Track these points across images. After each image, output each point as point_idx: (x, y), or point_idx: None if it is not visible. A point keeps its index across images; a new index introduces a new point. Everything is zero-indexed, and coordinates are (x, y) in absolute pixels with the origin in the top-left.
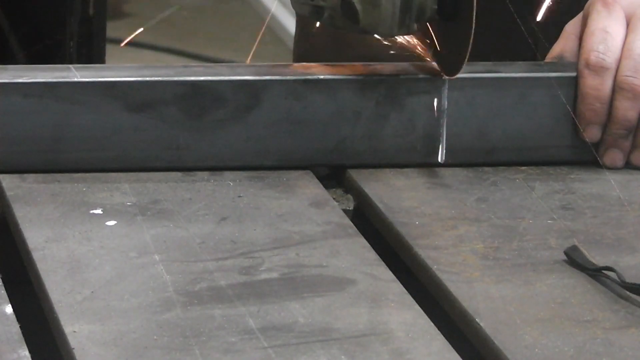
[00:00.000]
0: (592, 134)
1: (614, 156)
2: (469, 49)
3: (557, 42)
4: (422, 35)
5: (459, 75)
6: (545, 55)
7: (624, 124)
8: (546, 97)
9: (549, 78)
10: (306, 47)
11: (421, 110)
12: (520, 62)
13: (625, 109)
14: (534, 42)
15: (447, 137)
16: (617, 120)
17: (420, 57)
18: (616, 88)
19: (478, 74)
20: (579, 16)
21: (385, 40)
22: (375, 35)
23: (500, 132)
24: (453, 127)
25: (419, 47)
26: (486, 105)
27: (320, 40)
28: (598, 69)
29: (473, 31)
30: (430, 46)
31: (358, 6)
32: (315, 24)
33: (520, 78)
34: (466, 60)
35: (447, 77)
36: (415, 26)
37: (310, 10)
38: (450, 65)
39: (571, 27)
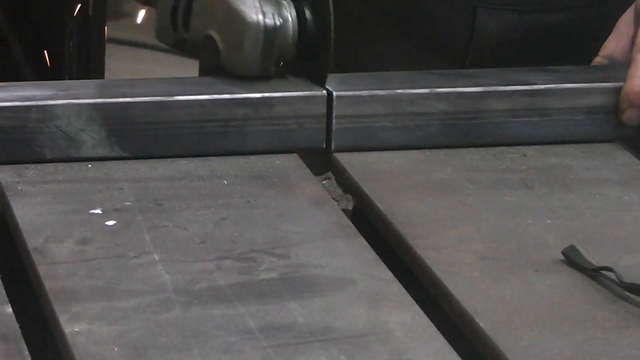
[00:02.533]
0: (631, 116)
1: (632, 114)
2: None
3: (609, 39)
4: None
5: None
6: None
7: None
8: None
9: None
10: None
11: None
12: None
13: None
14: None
15: None
16: None
17: None
18: None
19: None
20: (632, 11)
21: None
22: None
23: None
24: None
25: None
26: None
27: None
28: None
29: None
30: None
31: (220, 45)
32: None
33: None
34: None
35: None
36: (274, 69)
37: (173, 42)
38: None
39: (624, 25)
